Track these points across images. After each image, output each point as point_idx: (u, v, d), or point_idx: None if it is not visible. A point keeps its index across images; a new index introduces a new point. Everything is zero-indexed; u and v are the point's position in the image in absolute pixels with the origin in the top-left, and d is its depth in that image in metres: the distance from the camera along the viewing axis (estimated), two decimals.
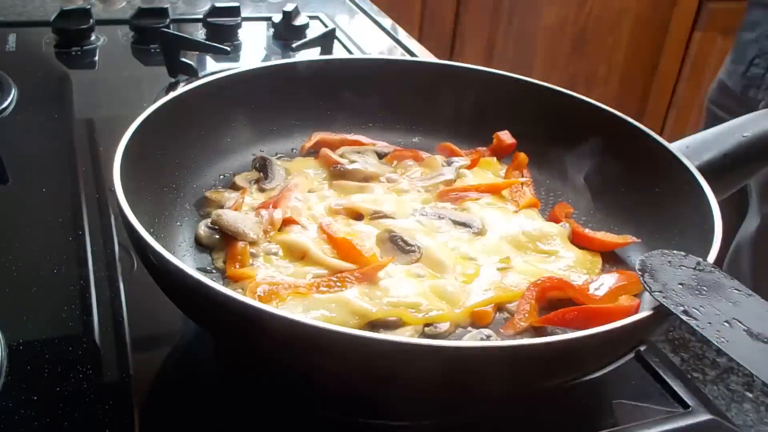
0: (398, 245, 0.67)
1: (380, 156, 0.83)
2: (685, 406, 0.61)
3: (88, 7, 1.23)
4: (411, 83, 0.87)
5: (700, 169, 0.66)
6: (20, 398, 0.56)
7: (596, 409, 0.61)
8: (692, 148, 0.69)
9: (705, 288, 0.53)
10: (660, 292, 0.53)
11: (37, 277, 0.69)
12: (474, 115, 0.86)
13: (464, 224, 0.72)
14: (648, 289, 0.53)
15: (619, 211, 0.76)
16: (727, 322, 0.50)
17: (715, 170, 0.67)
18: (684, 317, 0.50)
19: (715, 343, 0.49)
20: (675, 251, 0.57)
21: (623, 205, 0.76)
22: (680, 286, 0.53)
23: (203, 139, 0.77)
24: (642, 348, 0.55)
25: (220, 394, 0.59)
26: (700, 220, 0.62)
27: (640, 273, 0.55)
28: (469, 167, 0.82)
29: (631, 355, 0.54)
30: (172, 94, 0.72)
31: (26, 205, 0.81)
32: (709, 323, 0.50)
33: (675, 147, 0.69)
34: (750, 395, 0.65)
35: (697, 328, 0.50)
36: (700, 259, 0.56)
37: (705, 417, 0.60)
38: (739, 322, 0.50)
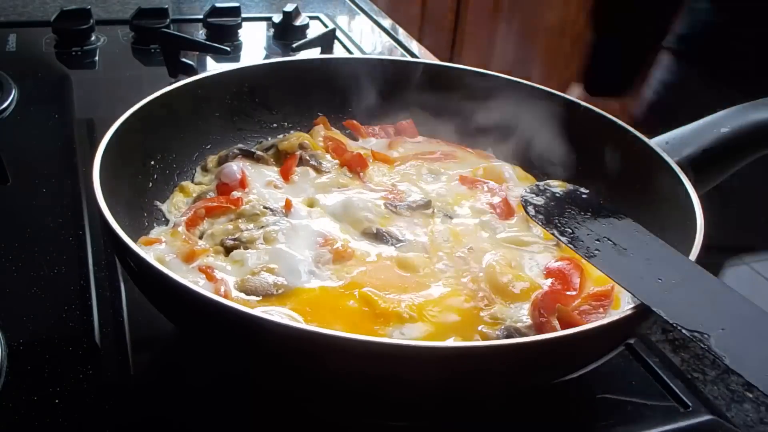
0: (383, 239, 0.67)
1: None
2: (685, 406, 0.61)
3: (89, 7, 1.23)
4: (410, 82, 0.87)
5: (680, 164, 0.67)
6: (20, 398, 0.56)
7: (596, 409, 0.61)
8: (672, 144, 0.70)
9: (586, 214, 0.61)
10: (538, 215, 0.62)
11: (37, 277, 0.69)
12: (471, 114, 0.86)
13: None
14: (528, 213, 0.62)
15: None
16: (598, 239, 0.57)
17: (694, 165, 0.68)
18: (556, 233, 0.59)
19: (584, 258, 0.55)
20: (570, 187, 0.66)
21: (604, 200, 0.75)
22: (563, 211, 0.62)
23: (186, 139, 0.77)
24: (631, 341, 0.56)
25: (220, 394, 0.59)
26: (681, 214, 0.62)
27: (523, 202, 0.63)
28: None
29: (621, 348, 0.54)
30: (153, 95, 0.71)
31: (26, 205, 0.81)
32: (581, 241, 0.57)
33: (655, 143, 0.70)
34: (750, 395, 0.65)
35: (568, 245, 0.57)
36: (583, 189, 0.66)
37: (705, 417, 0.60)
38: (609, 239, 0.57)
